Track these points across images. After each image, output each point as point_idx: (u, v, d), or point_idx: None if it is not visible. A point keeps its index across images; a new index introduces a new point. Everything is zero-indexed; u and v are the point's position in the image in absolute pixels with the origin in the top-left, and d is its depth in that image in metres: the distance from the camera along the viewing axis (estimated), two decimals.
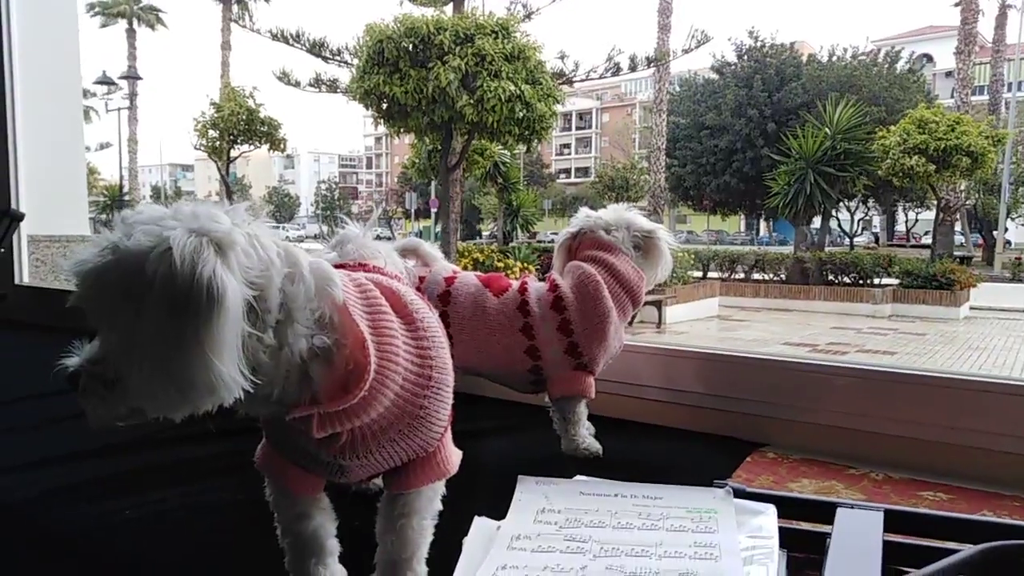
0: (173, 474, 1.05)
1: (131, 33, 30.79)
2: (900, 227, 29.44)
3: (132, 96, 29.56)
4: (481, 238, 23.14)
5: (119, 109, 26.27)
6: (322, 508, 0.71)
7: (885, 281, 12.89)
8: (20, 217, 2.44)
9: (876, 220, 30.15)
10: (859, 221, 25.55)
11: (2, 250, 2.37)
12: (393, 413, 0.65)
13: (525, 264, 12.09)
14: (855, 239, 24.10)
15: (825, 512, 0.79)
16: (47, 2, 2.67)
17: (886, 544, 0.73)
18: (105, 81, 22.28)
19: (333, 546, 0.71)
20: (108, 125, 27.98)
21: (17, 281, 2.57)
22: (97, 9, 30.07)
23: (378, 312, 0.64)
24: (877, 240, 28.35)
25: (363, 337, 0.61)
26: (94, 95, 24.90)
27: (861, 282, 13.03)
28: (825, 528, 0.77)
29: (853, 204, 22.30)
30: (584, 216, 1.22)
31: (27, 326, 2.41)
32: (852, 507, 0.79)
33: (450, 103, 10.23)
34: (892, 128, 14.20)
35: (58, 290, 2.58)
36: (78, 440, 1.19)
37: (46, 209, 2.65)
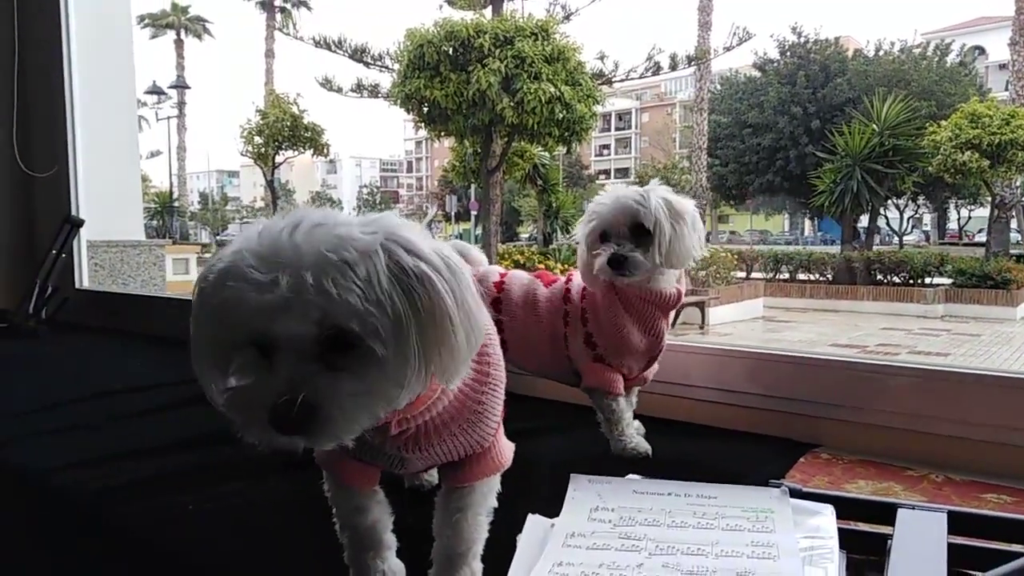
0: (232, 469, 1.07)
1: (179, 44, 31.67)
2: (952, 225, 28.52)
3: (181, 105, 30.38)
4: (520, 240, 23.15)
5: (168, 118, 27.03)
6: (379, 502, 0.73)
7: (937, 280, 12.51)
8: (80, 223, 2.54)
9: (927, 218, 29.26)
10: (909, 219, 24.86)
11: (64, 255, 2.46)
12: (455, 407, 0.67)
13: (566, 266, 12.08)
14: (905, 237, 23.46)
15: (885, 513, 0.77)
16: (104, 16, 2.77)
17: (950, 546, 0.71)
18: (155, 91, 22.98)
19: (390, 540, 0.73)
20: (158, 133, 28.78)
21: (77, 285, 2.67)
22: (147, 21, 30.98)
23: None
24: (928, 238, 27.52)
25: None
26: (145, 104, 25.65)
27: (912, 282, 12.67)
28: (885, 530, 0.76)
29: (902, 202, 21.70)
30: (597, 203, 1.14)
31: (87, 328, 2.50)
32: (914, 508, 0.77)
33: (490, 106, 10.28)
34: (943, 123, 13.77)
35: (115, 293, 2.67)
36: (140, 437, 1.23)
37: (104, 216, 2.75)
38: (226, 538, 0.87)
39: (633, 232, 1.07)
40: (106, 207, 2.77)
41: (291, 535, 0.88)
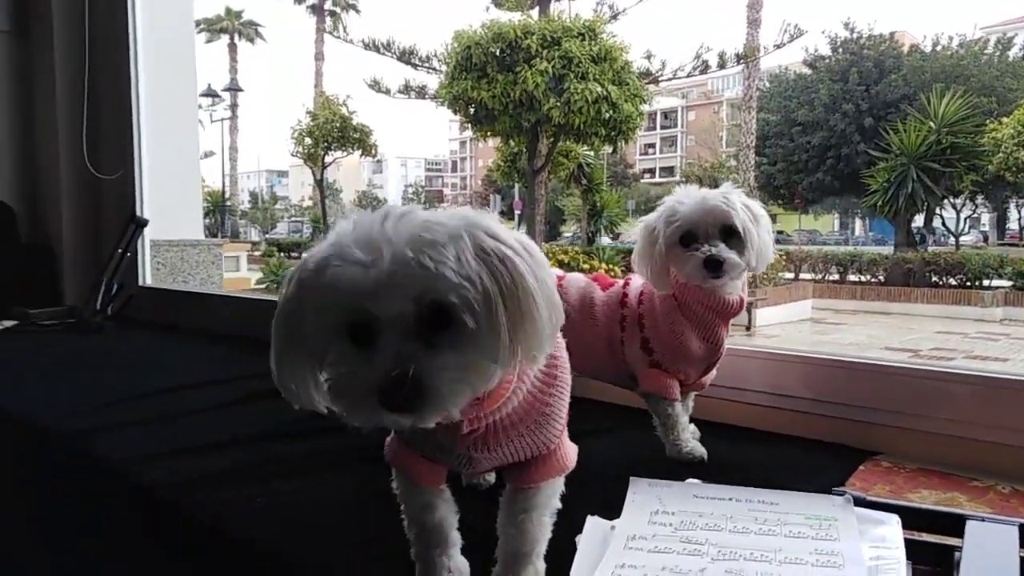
0: (301, 464, 1.11)
1: (232, 47, 32.49)
2: (1012, 225, 27.46)
3: (234, 107, 31.17)
4: (563, 239, 23.10)
5: (222, 120, 27.75)
6: (446, 500, 0.75)
7: (995, 283, 12.08)
8: (144, 223, 2.63)
9: (985, 218, 28.25)
10: (966, 219, 24.03)
11: (129, 254, 2.55)
12: (524, 408, 0.69)
13: (610, 266, 12.02)
14: (961, 238, 22.70)
15: (953, 524, 0.76)
16: (168, 22, 2.86)
17: (1022, 560, 0.70)
18: (210, 94, 23.64)
19: (456, 538, 0.75)
20: (212, 135, 29.63)
21: (141, 283, 2.77)
22: (203, 26, 31.85)
23: None
24: (986, 239, 26.57)
25: None
26: (200, 107, 26.35)
27: (968, 284, 12.26)
28: (952, 541, 0.75)
29: (959, 201, 21.00)
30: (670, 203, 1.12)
31: (151, 324, 2.60)
32: (983, 520, 0.76)
33: (537, 106, 10.31)
34: (1005, 120, 13.31)
35: (177, 291, 2.77)
36: (211, 431, 1.28)
37: (166, 216, 2.84)
38: (294, 531, 0.90)
39: (723, 234, 1.04)
40: (168, 207, 2.87)
41: (359, 531, 0.91)
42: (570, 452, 0.75)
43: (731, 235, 1.04)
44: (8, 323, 2.55)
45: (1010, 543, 0.72)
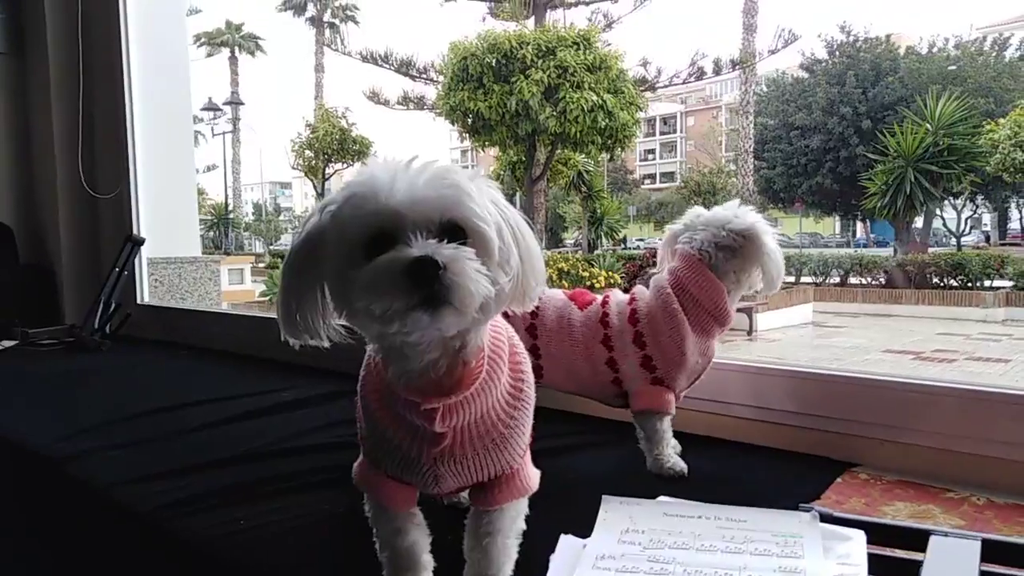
0: (282, 486, 1.13)
1: (233, 61, 32.64)
2: (1014, 225, 27.41)
3: (235, 120, 31.30)
4: (564, 247, 23.13)
5: (224, 133, 27.87)
6: (417, 524, 0.76)
7: (997, 284, 12.06)
8: (141, 242, 2.66)
9: (986, 218, 28.21)
10: (967, 220, 24.01)
11: (126, 272, 2.58)
12: (490, 419, 0.71)
13: (610, 272, 12.03)
14: (963, 239, 22.67)
15: (918, 539, 0.78)
16: (162, 42, 2.89)
17: (983, 575, 0.71)
18: (211, 107, 23.75)
19: (427, 561, 0.76)
20: (214, 148, 29.79)
21: (139, 300, 2.79)
22: (203, 40, 32.03)
23: None
24: (988, 239, 26.51)
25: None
26: (201, 120, 26.50)
27: (970, 285, 12.24)
28: (917, 556, 0.76)
29: (960, 202, 20.99)
30: (689, 214, 1.20)
31: (148, 342, 2.62)
32: (947, 535, 0.77)
33: (533, 116, 10.36)
34: (1002, 120, 13.31)
35: (174, 309, 2.79)
36: (199, 451, 1.30)
37: (162, 233, 2.87)
38: (276, 553, 0.91)
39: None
40: (164, 225, 2.89)
41: (335, 552, 0.92)
42: (533, 475, 0.77)
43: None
44: (8, 343, 2.57)
45: (971, 557, 0.74)
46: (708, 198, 24.36)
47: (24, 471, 1.45)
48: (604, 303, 1.20)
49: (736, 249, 1.14)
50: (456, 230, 0.62)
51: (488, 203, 0.64)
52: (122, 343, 2.55)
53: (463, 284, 0.58)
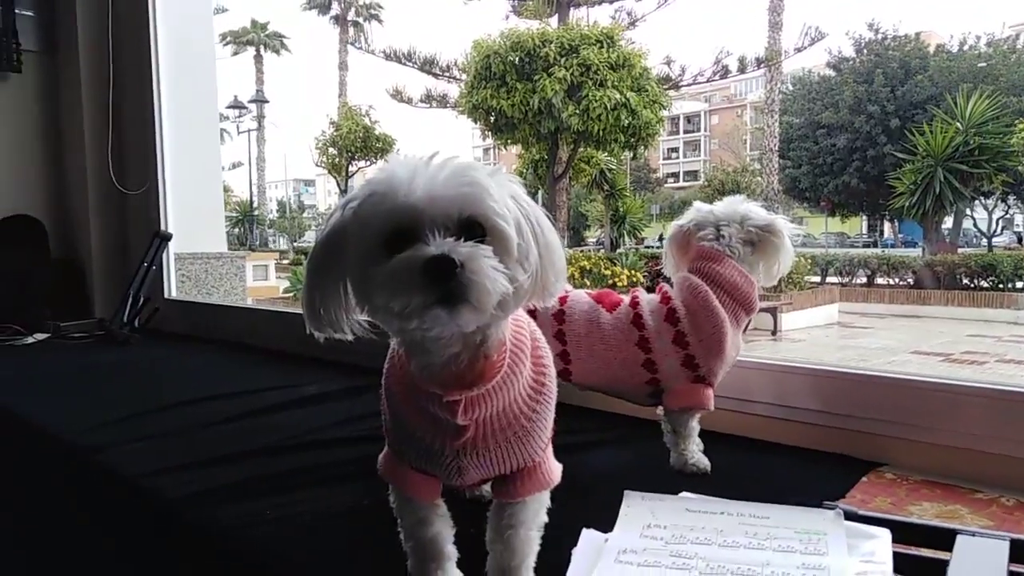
0: (308, 478, 1.14)
1: (259, 59, 33.00)
2: None
3: (260, 118, 31.65)
4: (587, 245, 23.07)
5: (249, 131, 28.18)
6: (441, 515, 0.77)
7: None
8: (168, 237, 2.70)
9: (1018, 219, 27.65)
10: (998, 220, 23.54)
11: (154, 267, 2.62)
12: (512, 412, 0.71)
13: (632, 271, 11.97)
14: (994, 239, 22.23)
15: (944, 539, 0.77)
16: (189, 41, 2.94)
17: (1012, 575, 0.70)
18: (236, 105, 24.04)
19: (451, 552, 0.77)
20: (240, 145, 30.14)
21: (166, 295, 2.84)
22: (229, 38, 32.41)
23: None
24: (1020, 240, 25.98)
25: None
26: (227, 118, 26.84)
27: (1001, 286, 12.00)
28: (943, 555, 0.75)
29: (991, 202, 20.59)
30: (695, 210, 1.20)
31: (175, 336, 2.66)
32: (974, 535, 0.76)
33: (556, 114, 10.35)
34: None
35: (201, 303, 2.83)
36: (224, 444, 1.31)
37: (189, 229, 2.91)
38: (301, 545, 0.93)
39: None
40: (191, 221, 2.94)
41: (360, 544, 0.93)
42: (555, 468, 0.77)
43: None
44: (41, 336, 2.63)
45: (999, 558, 0.73)
46: None
47: (53, 461, 1.48)
48: (634, 304, 1.17)
49: (756, 244, 1.15)
50: (475, 226, 0.62)
51: (507, 199, 0.64)
52: (150, 337, 2.59)
53: (480, 282, 0.59)
